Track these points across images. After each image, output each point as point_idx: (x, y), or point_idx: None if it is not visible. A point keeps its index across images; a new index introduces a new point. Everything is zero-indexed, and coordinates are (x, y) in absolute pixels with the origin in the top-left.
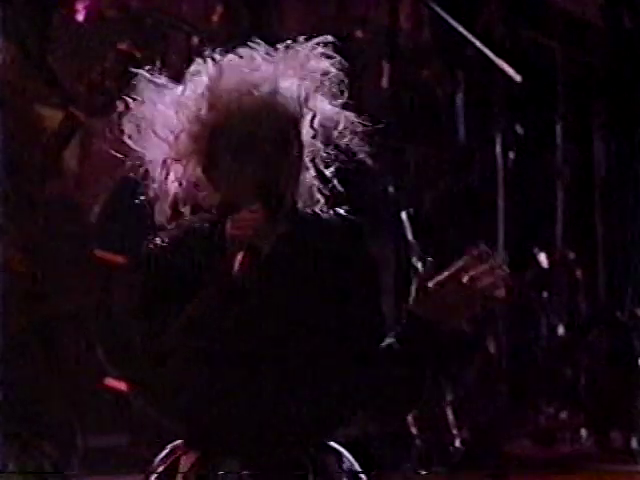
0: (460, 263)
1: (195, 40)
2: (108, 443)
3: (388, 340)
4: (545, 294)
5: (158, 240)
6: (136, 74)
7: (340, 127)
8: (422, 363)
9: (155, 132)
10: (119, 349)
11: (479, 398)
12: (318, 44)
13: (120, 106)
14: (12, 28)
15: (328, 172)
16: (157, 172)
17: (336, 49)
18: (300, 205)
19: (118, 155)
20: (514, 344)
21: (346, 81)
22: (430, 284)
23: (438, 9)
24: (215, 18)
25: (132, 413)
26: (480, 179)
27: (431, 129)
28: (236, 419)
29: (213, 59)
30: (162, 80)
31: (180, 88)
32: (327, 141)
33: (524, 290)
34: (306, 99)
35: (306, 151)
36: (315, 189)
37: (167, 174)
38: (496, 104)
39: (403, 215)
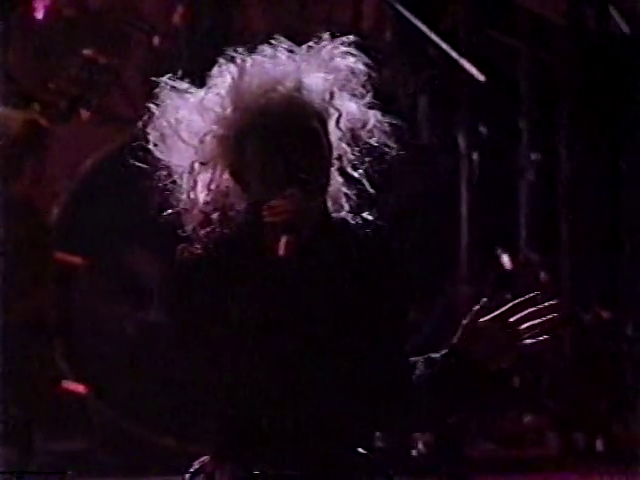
0: (510, 305)
1: (156, 41)
2: (67, 447)
3: (419, 361)
4: (508, 296)
5: (192, 249)
6: (157, 82)
7: (369, 126)
8: (450, 397)
9: (181, 138)
10: (81, 351)
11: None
12: (342, 43)
13: (144, 115)
14: None
15: (357, 174)
16: (185, 180)
17: (359, 47)
18: (329, 209)
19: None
20: None
21: (372, 79)
22: (479, 322)
23: (401, 9)
24: (176, 18)
25: (91, 417)
26: (443, 180)
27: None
28: (274, 424)
29: (235, 59)
30: (184, 85)
31: (203, 91)
32: (355, 142)
33: (487, 292)
34: (331, 97)
35: (333, 153)
36: (342, 194)
37: (195, 182)
38: (459, 104)
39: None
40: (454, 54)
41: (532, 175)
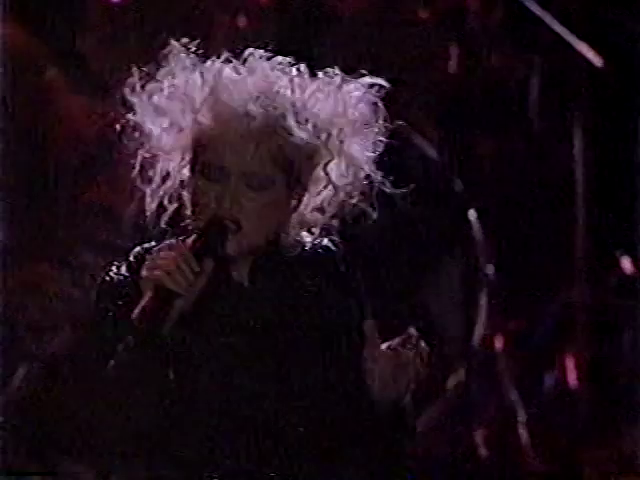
0: (403, 337)
1: (241, 22)
2: None
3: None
4: (629, 303)
5: (113, 271)
6: (166, 42)
7: (361, 180)
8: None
9: (165, 115)
10: None
11: (556, 418)
12: (369, 85)
13: (137, 81)
14: (37, 12)
15: (333, 222)
16: (171, 160)
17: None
18: (287, 237)
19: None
20: (595, 358)
21: (385, 134)
22: (378, 351)
23: None
24: None
25: None
26: (557, 174)
27: (503, 119)
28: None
29: (231, 62)
30: (191, 59)
31: (194, 75)
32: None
33: (606, 299)
34: (340, 140)
35: (325, 193)
36: (309, 223)
37: (172, 163)
38: (574, 91)
39: (471, 214)
40: (568, 36)
41: None
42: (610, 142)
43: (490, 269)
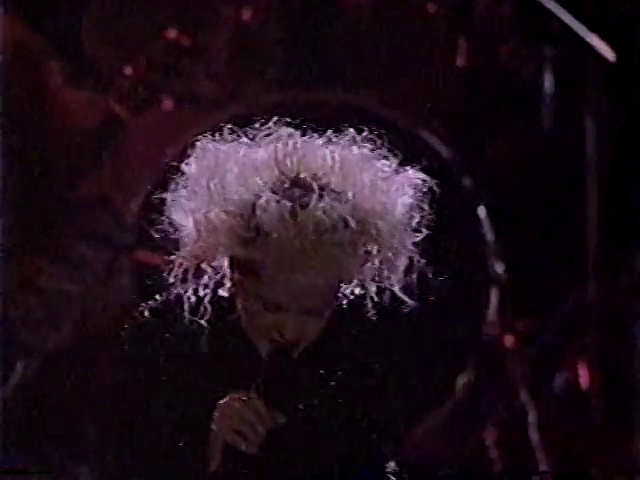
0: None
1: (246, 15)
2: None
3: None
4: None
5: (141, 310)
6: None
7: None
8: None
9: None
10: None
11: (567, 420)
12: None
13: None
14: (36, 6)
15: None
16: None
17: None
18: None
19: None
20: (606, 358)
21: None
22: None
23: None
24: None
25: None
26: (569, 171)
27: (513, 113)
28: None
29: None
30: (228, 144)
31: (255, 149)
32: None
33: (618, 298)
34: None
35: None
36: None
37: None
38: (587, 86)
39: (481, 210)
40: (581, 29)
41: None
42: (623, 137)
43: (500, 267)
